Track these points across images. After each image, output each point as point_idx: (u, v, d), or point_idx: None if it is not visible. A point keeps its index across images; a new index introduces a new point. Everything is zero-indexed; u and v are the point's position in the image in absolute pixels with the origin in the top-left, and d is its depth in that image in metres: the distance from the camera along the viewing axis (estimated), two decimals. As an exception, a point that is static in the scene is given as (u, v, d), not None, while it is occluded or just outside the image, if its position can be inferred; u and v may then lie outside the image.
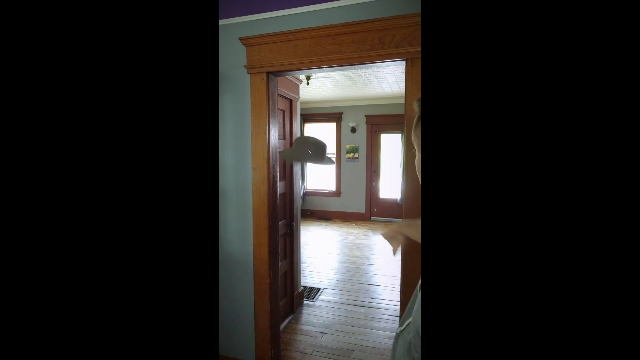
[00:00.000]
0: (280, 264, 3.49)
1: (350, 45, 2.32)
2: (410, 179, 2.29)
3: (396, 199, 9.04)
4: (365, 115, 9.18)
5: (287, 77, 3.60)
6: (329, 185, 9.74)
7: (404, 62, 2.27)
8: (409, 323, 0.98)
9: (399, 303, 2.61)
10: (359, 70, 5.84)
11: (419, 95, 2.20)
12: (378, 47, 2.25)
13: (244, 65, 2.62)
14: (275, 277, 2.88)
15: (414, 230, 1.57)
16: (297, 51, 2.46)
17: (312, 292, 4.66)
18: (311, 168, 9.75)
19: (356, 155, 9.28)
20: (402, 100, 2.43)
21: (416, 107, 1.05)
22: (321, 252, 6.45)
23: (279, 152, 2.73)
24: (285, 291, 3.89)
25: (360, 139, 9.27)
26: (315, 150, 2.62)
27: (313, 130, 9.84)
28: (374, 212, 9.37)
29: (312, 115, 9.64)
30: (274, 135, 2.74)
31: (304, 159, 2.60)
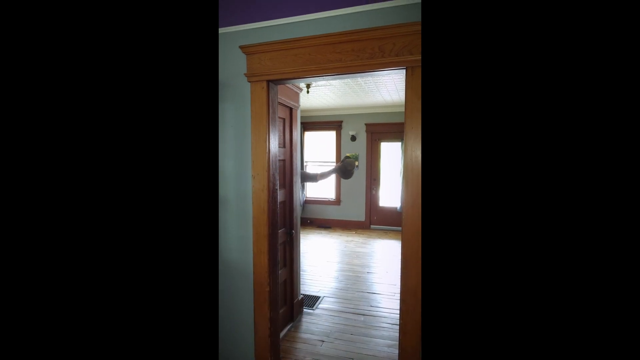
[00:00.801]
0: (280, 272, 3.48)
1: (351, 54, 2.33)
2: (410, 188, 2.28)
3: (396, 207, 9.04)
4: (365, 124, 9.20)
5: (287, 85, 3.62)
6: (329, 193, 9.74)
7: (404, 71, 2.28)
8: None
9: (398, 311, 2.60)
10: (359, 79, 5.86)
11: (419, 104, 2.20)
12: (378, 56, 2.26)
13: (244, 74, 2.63)
14: (275, 285, 2.87)
15: None
16: (298, 59, 2.47)
17: (312, 300, 4.65)
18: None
19: (356, 163, 9.29)
20: (402, 109, 2.44)
21: None
22: (321, 261, 6.43)
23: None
24: (285, 299, 3.88)
25: (360, 147, 9.28)
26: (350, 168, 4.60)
27: (313, 138, 9.86)
28: (373, 220, 9.36)
29: (312, 123, 9.66)
30: (274, 144, 2.74)
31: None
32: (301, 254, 4.67)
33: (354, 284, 5.33)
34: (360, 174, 9.26)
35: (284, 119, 3.69)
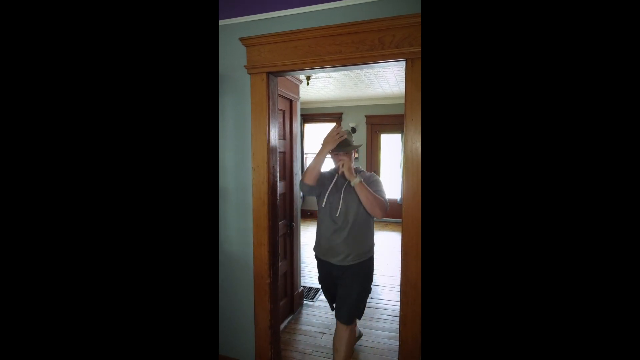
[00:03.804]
0: (280, 264, 3.49)
1: (350, 46, 2.32)
2: (410, 179, 2.29)
3: (396, 199, 9.04)
4: (365, 116, 9.18)
5: (287, 77, 3.61)
6: (329, 185, 9.71)
7: (404, 63, 2.27)
8: None
9: (398, 303, 2.61)
10: (358, 71, 5.84)
11: (419, 96, 2.20)
12: (378, 48, 2.26)
13: (244, 66, 2.63)
14: (275, 277, 2.87)
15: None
16: (297, 51, 2.46)
17: (312, 292, 4.66)
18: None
19: (356, 155, 9.25)
20: (403, 101, 2.43)
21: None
22: (321, 253, 6.44)
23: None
24: (285, 291, 3.89)
25: (361, 139, 9.27)
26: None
27: (313, 130, 9.84)
28: (374, 212, 9.35)
29: (312, 115, 9.64)
30: (274, 136, 2.74)
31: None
32: (301, 246, 4.67)
33: (354, 275, 5.34)
34: (360, 165, 9.21)
35: (284, 111, 3.68)
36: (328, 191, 2.67)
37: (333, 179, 2.72)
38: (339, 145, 2.60)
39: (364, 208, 2.56)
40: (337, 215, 2.58)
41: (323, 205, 2.67)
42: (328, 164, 2.77)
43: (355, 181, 2.45)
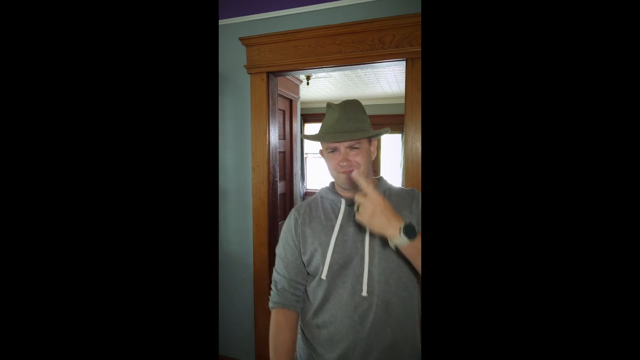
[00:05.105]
0: (280, 264, 3.48)
1: (350, 46, 2.32)
2: (410, 179, 2.28)
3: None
4: (365, 116, 9.15)
5: (287, 77, 3.61)
6: (329, 185, 9.68)
7: (404, 62, 2.27)
8: None
9: (398, 303, 2.60)
10: (359, 71, 5.83)
11: (419, 96, 2.20)
12: (378, 47, 2.25)
13: (244, 66, 2.62)
14: (275, 277, 2.88)
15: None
16: (297, 51, 2.46)
17: (312, 292, 4.64)
18: (311, 168, 9.72)
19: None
20: (403, 101, 2.43)
21: None
22: (321, 252, 6.39)
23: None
24: (285, 291, 3.88)
25: (360, 139, 9.22)
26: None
27: (313, 130, 9.82)
28: (374, 212, 9.30)
29: (312, 115, 9.62)
30: (274, 135, 2.74)
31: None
32: (301, 246, 4.65)
33: (354, 275, 5.31)
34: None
35: (284, 111, 3.68)
36: (332, 246, 1.28)
37: (337, 214, 1.34)
38: (336, 132, 1.39)
39: (410, 269, 1.27)
40: (362, 293, 1.22)
41: (324, 276, 1.28)
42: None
43: (400, 241, 1.10)
